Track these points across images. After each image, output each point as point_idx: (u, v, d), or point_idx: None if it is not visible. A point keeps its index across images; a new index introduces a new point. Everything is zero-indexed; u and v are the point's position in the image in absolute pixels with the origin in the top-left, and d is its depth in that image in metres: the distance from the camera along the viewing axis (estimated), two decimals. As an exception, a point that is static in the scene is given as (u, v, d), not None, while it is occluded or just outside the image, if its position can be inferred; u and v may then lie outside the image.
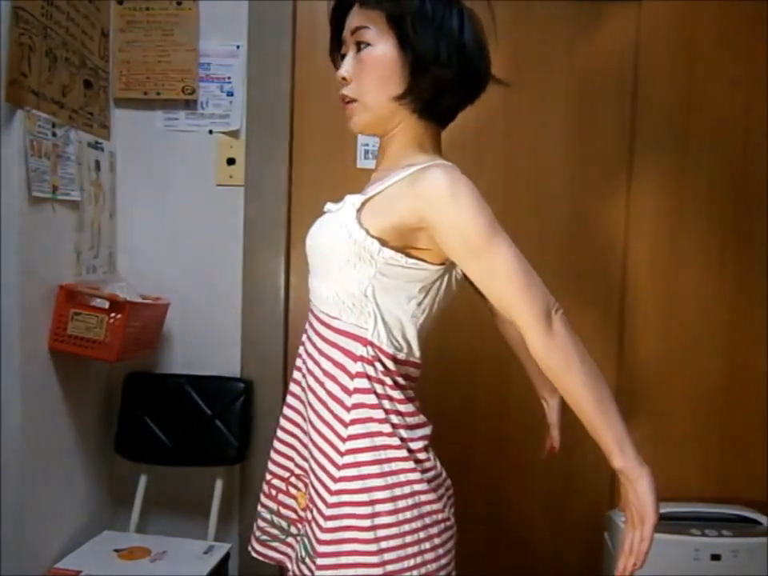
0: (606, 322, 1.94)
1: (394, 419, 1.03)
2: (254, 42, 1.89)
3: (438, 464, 1.08)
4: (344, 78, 1.07)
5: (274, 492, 1.17)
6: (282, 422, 1.16)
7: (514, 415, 1.93)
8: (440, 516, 1.04)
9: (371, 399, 1.02)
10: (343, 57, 1.10)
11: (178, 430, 1.87)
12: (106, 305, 1.60)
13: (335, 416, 1.04)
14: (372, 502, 1.00)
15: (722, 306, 1.92)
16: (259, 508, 1.20)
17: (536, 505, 1.97)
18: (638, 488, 0.96)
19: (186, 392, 1.88)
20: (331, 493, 1.02)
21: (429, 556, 1.02)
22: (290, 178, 1.93)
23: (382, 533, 0.99)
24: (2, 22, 1.37)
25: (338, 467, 1.02)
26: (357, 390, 1.03)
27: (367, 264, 1.01)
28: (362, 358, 1.03)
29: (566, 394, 1.00)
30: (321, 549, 1.01)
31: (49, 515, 1.63)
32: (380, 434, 1.02)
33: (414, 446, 1.04)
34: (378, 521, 0.99)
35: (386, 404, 1.03)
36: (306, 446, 1.11)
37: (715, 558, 1.72)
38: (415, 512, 1.01)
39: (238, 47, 1.89)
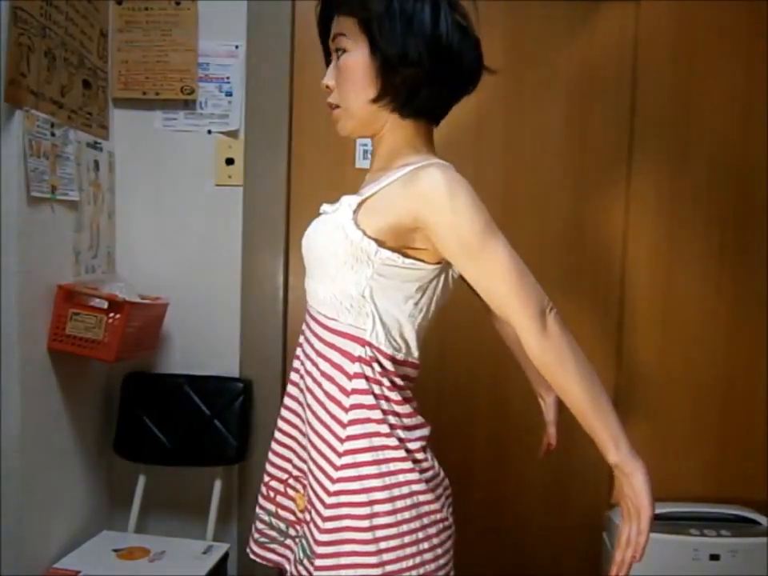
0: (604, 322, 1.94)
1: (392, 420, 1.03)
2: (253, 42, 1.89)
3: (436, 464, 1.08)
4: (327, 87, 1.10)
5: (272, 494, 1.17)
6: (280, 423, 1.16)
7: (512, 416, 1.93)
8: (438, 516, 1.04)
9: (369, 400, 1.02)
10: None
11: (176, 430, 1.87)
12: (105, 305, 1.60)
13: (333, 417, 1.04)
14: (370, 503, 1.00)
15: (722, 306, 1.92)
16: (257, 510, 1.20)
17: (535, 505, 1.97)
18: (634, 481, 0.97)
19: (185, 392, 1.88)
20: (329, 494, 1.02)
21: (427, 556, 1.02)
22: (289, 178, 1.93)
23: (380, 533, 0.99)
24: (1, 22, 1.37)
25: (336, 468, 1.02)
26: (355, 391, 1.03)
27: (364, 265, 1.01)
28: (360, 359, 1.03)
29: (561, 392, 1.01)
30: (319, 549, 1.01)
31: (48, 515, 1.63)
32: (378, 434, 1.02)
33: (411, 446, 1.04)
34: (377, 521, 0.99)
35: (384, 404, 1.03)
36: (304, 448, 1.11)
37: (714, 558, 1.72)
38: (414, 512, 1.01)
39: (236, 47, 1.89)
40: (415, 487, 1.02)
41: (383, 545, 0.99)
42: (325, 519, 1.01)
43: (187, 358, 1.94)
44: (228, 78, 1.90)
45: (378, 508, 1.00)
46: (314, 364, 1.07)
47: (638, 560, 0.97)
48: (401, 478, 1.01)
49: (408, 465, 1.02)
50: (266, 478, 1.18)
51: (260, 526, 1.19)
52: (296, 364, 1.14)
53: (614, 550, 1.00)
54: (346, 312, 1.04)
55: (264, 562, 1.19)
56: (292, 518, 1.15)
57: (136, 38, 1.87)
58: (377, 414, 1.02)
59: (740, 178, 1.90)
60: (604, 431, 0.98)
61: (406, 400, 1.06)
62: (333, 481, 1.02)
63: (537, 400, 1.41)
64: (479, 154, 1.92)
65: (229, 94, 1.90)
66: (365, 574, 0.99)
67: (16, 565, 1.51)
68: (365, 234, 1.00)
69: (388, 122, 1.08)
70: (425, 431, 1.08)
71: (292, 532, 1.15)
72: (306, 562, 1.04)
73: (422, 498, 1.02)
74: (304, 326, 1.13)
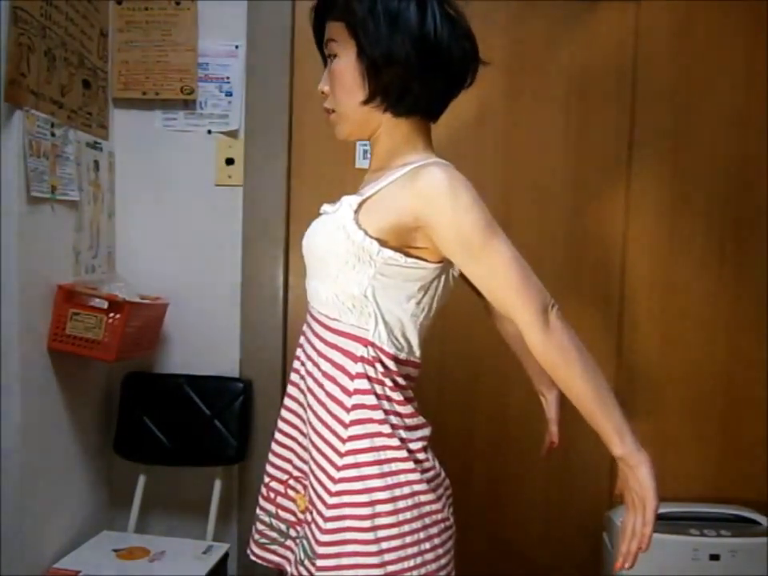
0: (605, 320, 1.94)
1: (394, 420, 1.03)
2: (253, 42, 1.89)
3: (437, 464, 1.08)
4: (323, 92, 1.10)
5: (272, 495, 1.17)
6: (280, 424, 1.16)
7: (513, 416, 1.93)
8: (439, 516, 1.04)
9: (371, 400, 1.02)
10: None
11: (176, 430, 1.87)
12: (105, 305, 1.60)
13: (335, 417, 1.04)
14: (372, 503, 1.00)
15: (722, 306, 1.92)
16: (258, 511, 1.20)
17: (535, 505, 1.97)
18: (639, 473, 0.98)
19: (185, 392, 1.88)
20: (331, 494, 1.02)
21: (429, 556, 1.02)
22: (289, 178, 1.93)
23: (382, 533, 0.99)
24: (1, 22, 1.37)
25: (338, 468, 1.02)
26: (357, 391, 1.03)
27: (366, 265, 1.01)
28: (362, 359, 1.03)
29: (565, 388, 1.01)
30: (321, 550, 1.01)
31: (48, 515, 1.63)
32: (380, 434, 1.02)
33: (413, 446, 1.04)
34: (379, 521, 1.00)
35: (386, 405, 1.03)
36: (304, 448, 1.11)
37: (714, 558, 1.72)
38: (415, 512, 1.02)
39: (236, 47, 1.89)
40: (417, 487, 1.02)
41: (385, 545, 0.99)
42: (326, 519, 1.01)
43: (187, 358, 1.94)
44: (228, 78, 1.90)
45: (379, 508, 1.00)
46: (316, 364, 1.07)
47: (644, 550, 0.98)
48: (402, 478, 1.02)
49: (410, 465, 1.02)
50: (266, 479, 1.18)
51: (260, 526, 1.19)
52: (296, 365, 1.14)
53: (615, 553, 1.00)
54: (348, 312, 1.04)
55: (264, 563, 1.19)
56: (292, 518, 1.15)
57: (136, 37, 1.87)
58: (379, 415, 1.02)
59: (740, 177, 1.90)
60: (609, 425, 0.98)
61: (407, 400, 1.06)
62: (335, 481, 1.02)
63: (538, 400, 1.41)
64: (479, 154, 1.92)
65: (229, 94, 1.90)
66: (366, 574, 0.99)
67: (16, 565, 1.51)
68: (366, 233, 1.00)
69: (383, 123, 1.08)
70: (426, 431, 1.08)
71: (292, 533, 1.15)
72: (307, 562, 1.04)
73: (423, 498, 1.02)
74: (305, 327, 1.13)
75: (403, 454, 1.02)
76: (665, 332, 1.93)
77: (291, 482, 1.15)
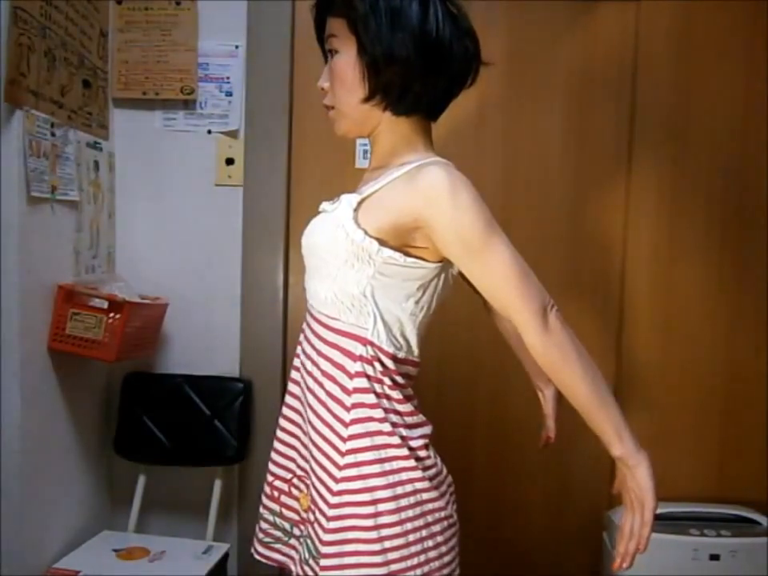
0: (604, 319, 1.94)
1: (394, 418, 1.03)
2: (253, 42, 1.89)
3: (439, 461, 1.08)
4: (322, 89, 1.10)
5: (276, 493, 1.17)
6: (282, 422, 1.16)
7: (512, 415, 1.93)
8: (442, 514, 1.04)
9: (371, 399, 1.02)
10: None
11: (176, 429, 1.87)
12: (105, 305, 1.60)
13: (335, 416, 1.04)
14: (374, 502, 1.00)
15: (722, 306, 1.92)
16: (261, 510, 1.19)
17: (534, 505, 1.97)
18: (637, 474, 0.98)
19: (185, 392, 1.88)
20: (333, 493, 1.02)
21: (432, 554, 1.02)
22: (289, 177, 1.93)
23: (385, 532, 0.99)
24: (1, 22, 1.37)
25: (340, 467, 1.02)
26: (356, 390, 1.03)
27: (366, 264, 1.01)
28: (361, 358, 1.03)
29: (564, 388, 1.01)
30: (324, 549, 1.01)
31: (47, 515, 1.63)
32: (380, 433, 1.02)
33: (414, 444, 1.04)
34: (381, 520, 0.99)
35: (385, 403, 1.03)
36: (306, 446, 1.11)
37: (714, 558, 1.72)
38: (417, 510, 1.01)
39: (236, 47, 1.89)
40: (418, 485, 1.02)
41: (387, 544, 0.99)
42: (329, 519, 1.01)
43: (187, 358, 1.94)
44: (228, 78, 1.90)
45: (381, 507, 1.00)
46: (315, 364, 1.07)
47: (642, 551, 0.98)
48: (404, 476, 1.01)
49: (411, 463, 1.02)
50: (270, 478, 1.18)
51: (264, 525, 1.19)
52: (296, 363, 1.13)
53: (617, 542, 1.00)
54: (347, 311, 1.04)
55: (269, 562, 1.18)
56: (296, 517, 1.15)
57: (136, 37, 1.87)
58: (378, 413, 1.02)
59: (740, 176, 1.90)
60: (608, 425, 0.98)
61: (407, 398, 1.06)
62: (336, 480, 1.02)
63: (537, 399, 1.41)
64: (479, 154, 1.92)
65: (229, 94, 1.90)
66: (370, 573, 0.99)
67: (16, 565, 1.51)
68: (366, 233, 1.00)
69: (382, 121, 1.08)
70: (427, 429, 1.08)
71: (296, 532, 1.15)
72: (311, 561, 1.04)
73: (425, 495, 1.02)
74: (304, 326, 1.13)
75: (404, 452, 1.02)
76: (665, 332, 1.93)
77: (295, 480, 1.15)
